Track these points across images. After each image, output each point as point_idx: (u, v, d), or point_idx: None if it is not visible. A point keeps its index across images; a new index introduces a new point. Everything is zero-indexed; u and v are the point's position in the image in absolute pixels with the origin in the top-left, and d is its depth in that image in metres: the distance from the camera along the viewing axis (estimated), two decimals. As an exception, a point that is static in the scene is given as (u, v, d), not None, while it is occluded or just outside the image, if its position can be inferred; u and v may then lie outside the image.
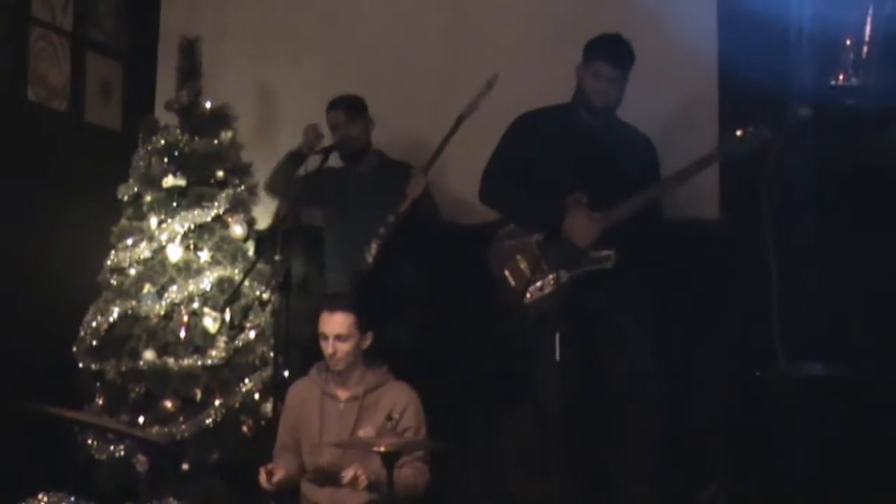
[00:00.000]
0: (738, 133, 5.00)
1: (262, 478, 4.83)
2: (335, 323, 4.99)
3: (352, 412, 4.98)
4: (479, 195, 5.56)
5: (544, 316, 5.06)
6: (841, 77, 4.87)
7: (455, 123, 5.64)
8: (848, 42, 4.83)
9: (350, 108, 5.89)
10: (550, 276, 5.20)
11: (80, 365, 5.91)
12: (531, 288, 5.22)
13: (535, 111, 5.49)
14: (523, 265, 5.35)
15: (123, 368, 5.84)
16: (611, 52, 5.24)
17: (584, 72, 5.30)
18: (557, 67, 5.62)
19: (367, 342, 5.04)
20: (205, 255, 6.00)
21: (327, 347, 4.98)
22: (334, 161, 5.91)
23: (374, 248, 5.60)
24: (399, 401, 4.93)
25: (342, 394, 5.03)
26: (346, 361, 4.98)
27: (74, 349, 5.92)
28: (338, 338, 4.97)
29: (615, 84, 5.25)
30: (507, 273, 5.38)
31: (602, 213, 5.15)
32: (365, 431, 4.90)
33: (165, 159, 6.08)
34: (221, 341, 5.84)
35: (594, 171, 5.20)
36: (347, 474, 4.75)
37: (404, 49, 6.39)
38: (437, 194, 6.02)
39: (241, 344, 5.87)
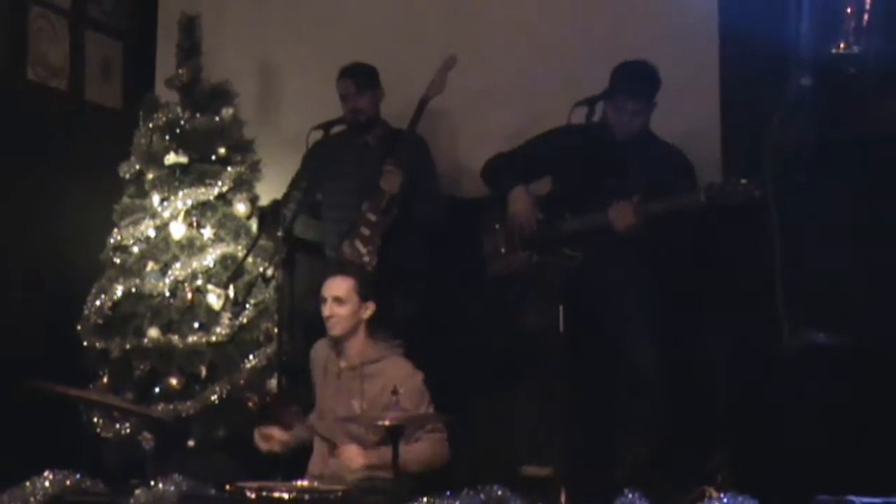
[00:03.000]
0: (730, 182, 5.01)
1: (257, 439, 4.99)
2: (334, 285, 5.05)
3: (349, 382, 5.02)
4: (481, 170, 5.68)
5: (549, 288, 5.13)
6: (842, 45, 4.85)
7: (418, 106, 5.70)
8: (849, 10, 4.81)
9: (359, 79, 5.84)
10: (523, 254, 5.37)
11: (85, 343, 5.92)
12: (498, 260, 5.46)
13: (565, 127, 5.40)
14: (500, 236, 5.51)
15: (128, 346, 5.86)
16: (632, 85, 5.27)
17: (607, 103, 5.29)
18: (562, 30, 5.64)
19: (368, 312, 5.07)
20: (208, 232, 6.00)
21: (325, 310, 5.03)
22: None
23: (365, 253, 5.59)
24: (394, 380, 4.87)
25: (343, 363, 5.07)
26: (342, 326, 5.02)
27: (79, 328, 5.94)
28: (336, 300, 5.02)
29: (637, 116, 5.29)
30: (484, 239, 5.55)
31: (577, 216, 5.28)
32: (357, 404, 4.93)
33: (167, 137, 6.08)
34: (225, 318, 5.85)
35: (609, 187, 5.25)
36: (343, 454, 4.79)
37: (405, 22, 6.37)
38: (446, 166, 6.03)
39: (245, 320, 5.88)
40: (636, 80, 5.28)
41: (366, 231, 5.62)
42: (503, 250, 5.48)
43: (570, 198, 5.34)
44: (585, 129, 5.35)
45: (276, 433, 5.10)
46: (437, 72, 5.72)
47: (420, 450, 4.87)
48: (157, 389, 5.81)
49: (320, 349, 5.22)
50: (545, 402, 5.13)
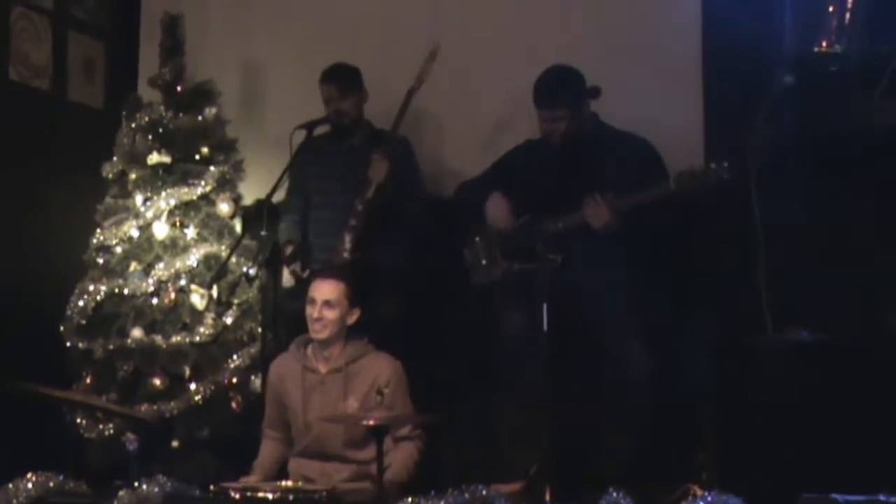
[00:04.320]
0: (698, 169, 5.01)
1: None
2: (325, 288, 5.03)
3: (334, 384, 5.02)
4: (455, 193, 5.77)
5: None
6: (824, 44, 4.86)
7: (406, 98, 5.69)
8: (831, 9, 4.82)
9: (342, 83, 5.81)
10: (503, 264, 5.38)
11: (68, 344, 5.91)
12: (480, 270, 5.48)
13: (527, 142, 5.61)
14: (479, 248, 5.52)
15: (111, 347, 5.86)
16: (540, 97, 5.37)
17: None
18: (544, 30, 5.65)
19: (354, 318, 5.07)
20: (191, 232, 6.00)
21: (313, 312, 5.01)
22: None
23: (347, 241, 5.57)
24: (382, 372, 4.98)
25: (323, 367, 5.06)
26: (329, 330, 5.00)
27: (62, 328, 5.92)
28: (326, 303, 5.01)
29: (560, 121, 5.33)
30: (465, 251, 5.57)
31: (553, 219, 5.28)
32: (349, 404, 4.93)
33: (150, 136, 6.08)
34: (209, 318, 5.85)
35: (575, 189, 5.26)
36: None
37: (389, 20, 6.35)
38: (430, 167, 6.03)
39: (229, 320, 5.87)
40: (544, 91, 5.37)
41: (353, 221, 5.61)
42: (484, 261, 5.49)
43: (543, 206, 5.35)
44: (547, 139, 5.38)
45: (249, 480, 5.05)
46: (424, 64, 5.71)
47: (407, 458, 4.93)
48: (140, 390, 5.80)
49: (284, 366, 5.17)
50: (528, 405, 5.13)
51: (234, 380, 5.77)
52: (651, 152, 5.35)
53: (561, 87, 5.36)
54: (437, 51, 5.70)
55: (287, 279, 5.97)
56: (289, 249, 5.78)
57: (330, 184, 5.86)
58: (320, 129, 5.77)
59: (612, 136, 5.42)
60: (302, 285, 5.71)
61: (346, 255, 5.53)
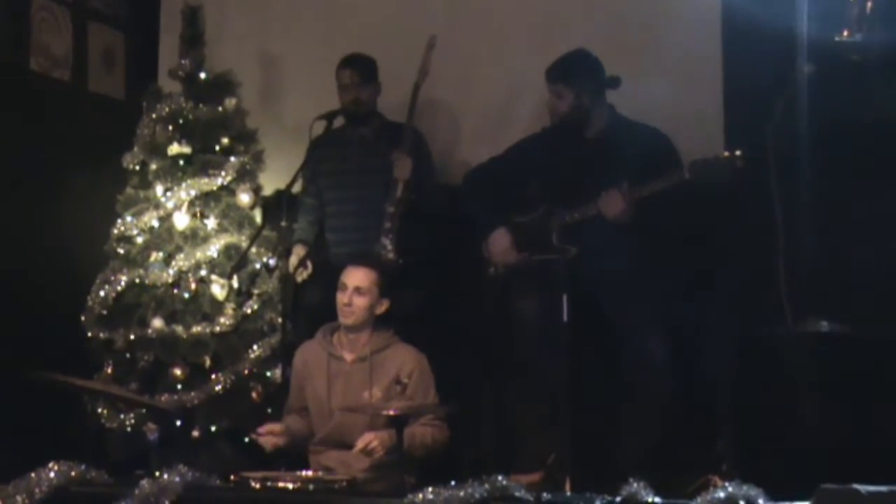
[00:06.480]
0: (712, 157, 5.02)
1: (266, 439, 4.97)
2: (357, 275, 5.07)
3: (359, 373, 5.05)
4: (462, 187, 5.78)
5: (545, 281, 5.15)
6: (845, 33, 4.85)
7: (413, 93, 5.72)
8: (851, -3, 4.82)
9: (363, 70, 5.85)
10: (520, 255, 5.41)
11: (89, 334, 5.93)
12: (496, 262, 5.49)
13: (544, 130, 5.58)
14: None
15: (132, 337, 5.87)
16: (548, 70, 5.40)
17: None
18: (562, 19, 5.68)
19: (383, 307, 5.11)
20: (211, 223, 6.01)
21: (343, 297, 5.04)
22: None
23: (388, 244, 5.58)
24: (406, 364, 5.00)
25: (348, 355, 5.09)
26: (357, 316, 5.03)
27: (83, 318, 5.94)
28: (357, 290, 5.04)
29: (561, 98, 5.35)
30: (483, 243, 5.55)
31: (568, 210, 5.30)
32: (372, 394, 4.95)
33: (170, 127, 6.08)
34: (229, 308, 5.86)
35: (589, 180, 5.27)
36: (361, 443, 4.79)
37: (406, 13, 6.36)
38: (441, 158, 6.03)
39: (249, 311, 5.89)
40: (554, 65, 5.39)
41: (387, 224, 5.62)
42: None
43: (557, 196, 5.34)
44: (560, 128, 5.38)
45: (273, 427, 5.09)
46: (424, 55, 5.73)
47: (425, 433, 4.92)
48: (161, 380, 5.82)
49: (310, 352, 5.21)
50: (547, 396, 5.14)
51: (255, 370, 5.79)
52: (665, 143, 5.34)
53: (570, 66, 5.38)
54: (434, 41, 5.72)
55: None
56: (297, 255, 5.80)
57: (343, 178, 5.90)
58: (335, 122, 5.78)
59: (626, 128, 5.41)
60: (320, 276, 5.74)
61: (391, 256, 5.54)
